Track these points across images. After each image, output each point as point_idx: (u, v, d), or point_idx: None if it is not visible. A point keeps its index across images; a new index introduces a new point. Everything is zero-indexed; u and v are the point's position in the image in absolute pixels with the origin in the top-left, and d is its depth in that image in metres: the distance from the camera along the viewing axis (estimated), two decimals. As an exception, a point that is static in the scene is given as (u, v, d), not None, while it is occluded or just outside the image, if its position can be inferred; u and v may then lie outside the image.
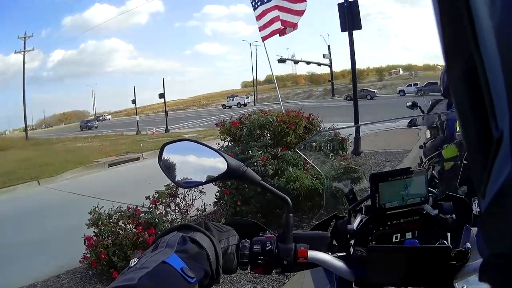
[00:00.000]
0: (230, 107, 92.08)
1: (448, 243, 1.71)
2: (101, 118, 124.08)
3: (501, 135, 0.55)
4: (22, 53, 77.53)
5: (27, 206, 15.08)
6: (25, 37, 77.12)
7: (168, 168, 1.59)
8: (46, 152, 36.18)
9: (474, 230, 1.97)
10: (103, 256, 6.40)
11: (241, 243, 1.51)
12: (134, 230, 6.60)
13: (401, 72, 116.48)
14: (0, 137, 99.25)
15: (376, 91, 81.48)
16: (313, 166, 3.36)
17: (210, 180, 1.59)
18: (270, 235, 1.56)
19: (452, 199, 1.94)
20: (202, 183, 1.63)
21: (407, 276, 1.54)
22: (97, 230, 6.75)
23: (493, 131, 0.57)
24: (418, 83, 74.96)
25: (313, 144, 3.10)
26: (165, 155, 1.59)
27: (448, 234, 1.82)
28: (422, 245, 1.70)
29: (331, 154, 6.21)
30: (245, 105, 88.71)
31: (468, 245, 1.58)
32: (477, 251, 1.82)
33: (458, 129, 5.11)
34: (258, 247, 1.51)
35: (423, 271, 1.51)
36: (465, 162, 5.38)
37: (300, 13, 14.32)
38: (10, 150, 45.80)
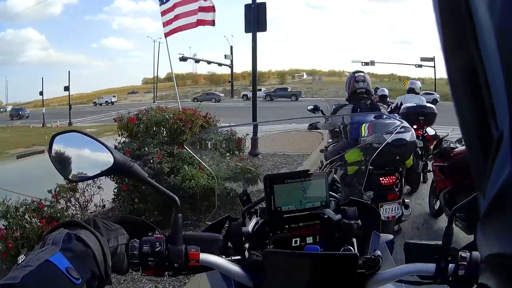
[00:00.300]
0: (100, 104, 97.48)
1: (354, 250, 1.71)
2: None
3: (501, 135, 0.55)
4: None
5: None
6: None
7: (60, 161, 1.51)
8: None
9: (384, 236, 1.94)
10: (10, 246, 6.20)
11: (131, 243, 1.45)
12: (39, 223, 6.42)
13: (305, 76, 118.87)
14: None
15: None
16: (203, 164, 3.29)
17: (96, 175, 1.53)
18: (159, 235, 1.50)
19: (356, 204, 1.93)
20: (89, 178, 1.62)
21: (309, 284, 1.51)
22: (7, 223, 6.55)
23: (493, 131, 0.57)
24: (263, 88, 78.93)
25: (207, 142, 3.03)
26: (56, 147, 1.51)
27: (354, 240, 1.80)
28: (325, 251, 1.70)
29: (228, 154, 6.16)
30: (112, 103, 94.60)
31: (378, 252, 1.57)
32: (388, 259, 1.75)
33: (363, 133, 5.15)
34: (148, 247, 1.44)
35: (328, 279, 1.49)
36: (371, 167, 5.44)
37: (211, 9, 14.27)
38: None
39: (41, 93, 57.11)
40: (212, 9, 14.21)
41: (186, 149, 7.25)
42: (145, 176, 1.51)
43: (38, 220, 6.45)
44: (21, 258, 1.11)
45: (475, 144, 0.66)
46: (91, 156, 1.52)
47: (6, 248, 6.25)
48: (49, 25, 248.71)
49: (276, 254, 1.56)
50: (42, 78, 58.04)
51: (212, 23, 14.34)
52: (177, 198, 1.50)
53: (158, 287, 5.76)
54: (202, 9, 14.09)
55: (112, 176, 6.09)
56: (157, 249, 1.44)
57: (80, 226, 1.28)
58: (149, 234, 1.51)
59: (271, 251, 1.59)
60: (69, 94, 52.65)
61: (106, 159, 1.48)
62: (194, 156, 7.24)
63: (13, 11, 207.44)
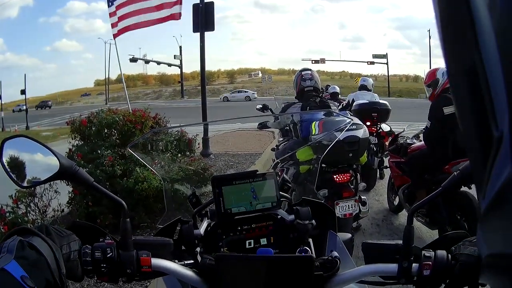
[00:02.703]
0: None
1: (311, 251, 1.71)
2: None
3: (501, 135, 0.55)
4: None
5: None
6: None
7: (12, 166, 1.50)
8: None
9: (342, 235, 1.94)
10: None
11: (83, 249, 1.43)
12: (2, 230, 6.29)
13: (260, 74, 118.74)
14: None
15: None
16: (148, 167, 3.27)
17: (44, 180, 1.53)
18: (110, 241, 1.48)
19: (310, 203, 1.93)
20: (38, 183, 1.60)
21: None
22: None
23: (493, 131, 0.57)
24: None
25: (154, 144, 3.02)
26: (8, 152, 1.49)
27: (310, 240, 1.80)
28: (280, 252, 1.72)
29: (179, 154, 6.11)
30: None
31: (335, 253, 1.55)
32: (347, 259, 1.76)
33: (313, 131, 5.16)
34: (99, 254, 1.43)
35: (284, 282, 1.47)
36: (324, 165, 5.44)
37: (176, 3, 14.15)
38: None
39: None
40: (178, 2, 14.10)
41: (130, 151, 7.22)
42: (91, 181, 1.51)
43: (1, 226, 6.37)
44: None
45: (475, 144, 0.67)
46: (39, 161, 1.51)
47: None
48: (6, 28, 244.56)
49: (228, 257, 1.55)
50: (0, 81, 56.67)
51: (177, 16, 14.26)
52: (123, 203, 1.49)
53: None
54: (159, 7, 14.01)
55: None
56: (108, 255, 1.43)
57: (32, 233, 1.27)
58: (100, 239, 1.50)
59: (222, 255, 1.58)
60: (25, 98, 52.08)
61: (53, 163, 1.47)
62: (138, 159, 7.27)
63: None
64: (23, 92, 50.07)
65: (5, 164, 1.48)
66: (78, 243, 1.44)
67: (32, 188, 7.01)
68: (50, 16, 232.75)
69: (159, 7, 13.97)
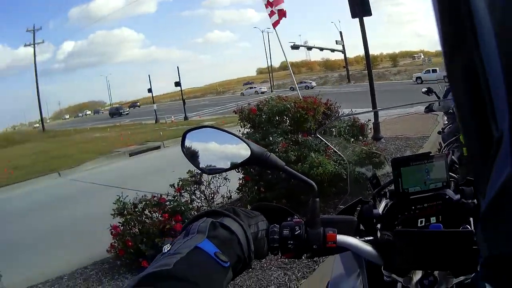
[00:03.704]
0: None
1: (471, 228, 1.73)
2: (131, 106, 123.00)
3: (501, 135, 0.56)
4: (32, 46, 77.61)
5: (50, 198, 15.14)
6: (34, 30, 77.23)
7: (192, 155, 1.60)
8: (64, 144, 36.14)
9: None
10: (129, 243, 6.41)
11: (271, 228, 1.50)
12: (160, 218, 6.60)
13: (422, 57, 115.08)
14: (16, 130, 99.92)
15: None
16: (334, 151, 3.35)
17: (234, 166, 1.60)
18: (298, 219, 1.55)
19: (473, 184, 1.93)
20: (225, 170, 1.64)
21: (433, 260, 1.56)
22: (123, 220, 6.74)
23: (493, 131, 0.58)
24: (437, 68, 68.03)
25: (333, 129, 3.10)
26: (187, 142, 1.60)
27: (471, 219, 1.82)
28: (445, 229, 1.73)
29: (352, 139, 6.21)
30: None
31: None
32: None
33: None
34: (288, 231, 1.50)
35: (448, 255, 1.53)
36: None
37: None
38: (27, 143, 45.77)
39: (149, 90, 57.65)
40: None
41: (318, 138, 7.29)
42: (283, 165, 1.57)
43: (159, 215, 6.64)
44: (166, 248, 1.16)
45: (475, 144, 0.68)
46: (226, 149, 1.59)
47: (124, 245, 6.47)
48: (146, 23, 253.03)
49: (406, 233, 1.61)
50: (149, 75, 58.50)
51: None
52: (313, 183, 1.55)
53: (287, 274, 5.82)
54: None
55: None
56: (296, 233, 1.49)
57: (222, 214, 1.35)
58: (288, 219, 1.56)
59: (401, 230, 1.65)
60: (181, 89, 52.81)
61: (243, 151, 1.54)
62: (326, 144, 7.28)
63: (99, 13, 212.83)
64: (177, 84, 51.09)
65: (187, 153, 1.59)
66: (266, 222, 1.51)
67: (200, 177, 7.52)
68: (195, 9, 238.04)
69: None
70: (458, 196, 1.85)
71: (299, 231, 1.49)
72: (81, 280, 7.03)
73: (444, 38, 0.66)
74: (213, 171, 1.69)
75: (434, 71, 61.61)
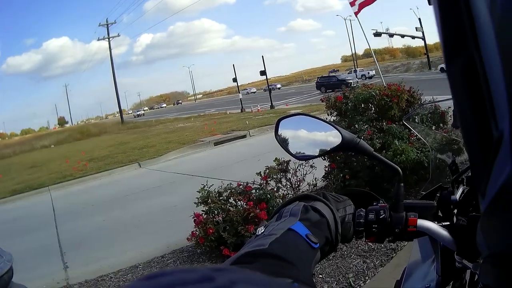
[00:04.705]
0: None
1: None
2: (247, 91, 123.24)
3: (501, 135, 0.57)
4: (107, 40, 78.63)
5: (130, 187, 15.56)
6: (107, 24, 78.41)
7: (285, 142, 1.67)
8: (145, 134, 37.05)
9: None
10: (210, 231, 6.53)
11: (357, 212, 1.55)
12: (245, 206, 6.69)
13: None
14: (95, 123, 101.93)
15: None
16: (419, 138, 3.42)
17: (324, 153, 1.69)
18: (383, 204, 1.60)
19: None
20: (315, 156, 1.71)
21: None
22: (207, 208, 6.88)
23: (493, 131, 0.59)
24: None
25: (416, 117, 3.15)
26: (280, 130, 1.67)
27: None
28: None
29: (433, 126, 6.27)
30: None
31: None
32: None
33: None
34: (373, 215, 1.55)
35: None
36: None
37: None
38: (104, 135, 47.78)
39: (234, 80, 57.58)
40: None
41: (401, 125, 7.31)
42: (371, 151, 1.62)
43: (244, 203, 6.73)
44: (260, 230, 1.21)
45: (475, 144, 0.68)
46: (316, 137, 1.64)
47: (205, 234, 6.60)
48: (226, 14, 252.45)
49: (479, 218, 1.71)
50: (233, 65, 58.19)
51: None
52: (399, 169, 1.59)
53: (366, 262, 5.90)
54: None
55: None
56: (381, 217, 1.54)
57: (313, 198, 1.41)
58: (374, 203, 1.61)
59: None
60: (266, 78, 52.36)
61: (334, 137, 1.59)
62: (409, 131, 7.26)
63: (175, 5, 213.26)
64: (262, 73, 50.67)
65: (281, 140, 1.67)
66: (353, 207, 1.55)
67: (286, 165, 7.55)
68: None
69: None
70: None
71: (384, 215, 1.55)
72: (156, 269, 7.14)
73: (444, 38, 0.68)
74: (305, 157, 1.76)
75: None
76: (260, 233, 1.20)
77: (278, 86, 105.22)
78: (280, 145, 1.68)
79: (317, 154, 1.68)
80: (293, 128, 1.69)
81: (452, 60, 0.68)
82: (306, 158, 1.78)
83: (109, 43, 78.76)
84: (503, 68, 0.54)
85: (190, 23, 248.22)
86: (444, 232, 1.61)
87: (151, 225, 9.90)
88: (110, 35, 79.26)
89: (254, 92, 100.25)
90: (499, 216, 0.69)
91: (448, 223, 1.67)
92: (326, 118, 8.32)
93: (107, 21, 78.62)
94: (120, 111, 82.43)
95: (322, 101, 9.45)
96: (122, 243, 9.01)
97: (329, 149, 1.64)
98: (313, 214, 1.31)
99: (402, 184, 1.61)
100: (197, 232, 6.93)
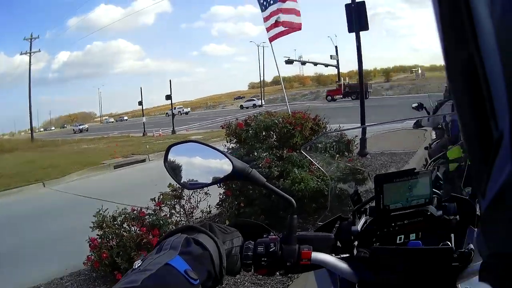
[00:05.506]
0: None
1: (451, 245, 1.70)
2: (120, 119, 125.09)
3: (501, 135, 0.55)
4: (28, 54, 77.97)
5: (31, 208, 15.23)
6: (31, 39, 77.61)
7: (174, 170, 1.60)
8: (51, 154, 36.50)
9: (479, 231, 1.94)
10: (104, 255, 6.46)
11: (245, 245, 1.51)
12: (138, 231, 6.64)
13: (420, 71, 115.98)
14: (5, 139, 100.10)
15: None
16: (318, 167, 3.37)
17: (216, 181, 1.63)
18: (274, 236, 1.57)
19: (456, 200, 1.93)
20: (207, 184, 1.65)
21: (411, 278, 1.53)
22: (101, 232, 6.80)
23: (493, 131, 0.57)
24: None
25: (319, 145, 3.10)
26: (170, 157, 1.60)
27: (452, 235, 1.80)
28: (425, 246, 1.70)
29: (337, 155, 6.23)
30: (186, 113, 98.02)
31: (471, 246, 1.57)
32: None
33: None
34: (262, 248, 1.50)
35: (426, 272, 1.51)
36: (470, 163, 5.38)
37: (299, 13, 14.43)
38: (15, 151, 45.83)
39: (140, 103, 57.92)
40: (299, 13, 14.37)
41: (302, 153, 7.28)
42: (264, 181, 1.60)
43: (137, 228, 6.67)
44: (137, 263, 1.16)
45: (475, 144, 0.67)
46: (209, 164, 1.61)
47: (99, 258, 6.53)
48: (143, 35, 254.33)
49: (383, 250, 1.61)
50: (141, 88, 59.15)
51: (300, 26, 14.51)
52: (293, 200, 1.57)
53: None
54: (296, 12, 14.28)
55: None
56: (271, 250, 1.51)
57: (197, 230, 1.36)
58: (264, 236, 1.59)
59: (377, 248, 1.65)
60: (171, 103, 52.95)
61: (225, 166, 1.56)
62: (310, 160, 7.29)
63: (97, 24, 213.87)
64: (168, 97, 51.31)
65: (170, 167, 1.61)
66: (241, 239, 1.53)
67: (181, 191, 7.56)
68: (193, 22, 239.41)
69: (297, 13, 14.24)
70: (440, 212, 1.85)
71: (274, 248, 1.51)
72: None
73: (444, 38, 0.65)
74: (194, 185, 1.75)
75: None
76: (136, 266, 1.15)
77: (186, 110, 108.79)
78: (168, 173, 1.63)
79: (209, 182, 1.63)
80: (184, 155, 1.66)
81: (452, 60, 0.67)
82: (196, 186, 1.82)
83: (30, 59, 78.18)
84: (503, 68, 0.54)
85: (107, 43, 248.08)
86: (343, 265, 1.58)
87: (50, 247, 9.76)
88: (32, 50, 78.23)
89: (187, 113, 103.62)
90: (499, 216, 0.67)
91: (348, 255, 1.64)
92: (225, 146, 8.76)
93: (31, 36, 77.56)
94: (31, 128, 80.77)
95: (223, 128, 9.47)
96: (20, 266, 8.80)
97: (220, 178, 1.61)
98: (195, 248, 1.26)
99: (295, 216, 1.59)
100: (92, 256, 6.80)
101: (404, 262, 1.54)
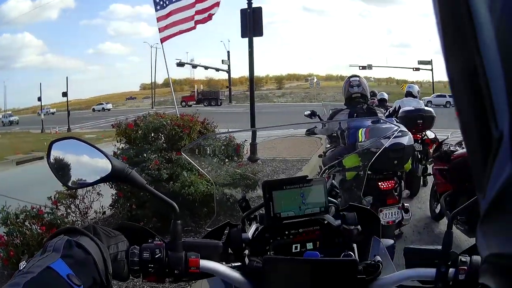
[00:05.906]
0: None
1: (354, 255, 1.71)
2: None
3: (501, 135, 0.54)
4: None
5: None
6: None
7: (59, 167, 1.53)
8: None
9: (384, 241, 1.94)
10: (12, 253, 6.25)
11: (131, 250, 1.46)
12: (39, 230, 6.47)
13: (315, 80, 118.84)
14: None
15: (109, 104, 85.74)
16: (201, 171, 3.31)
17: (95, 181, 1.55)
18: (159, 242, 1.52)
19: (356, 209, 1.93)
20: (88, 184, 1.63)
21: None
22: (7, 230, 6.56)
23: (493, 131, 0.56)
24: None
25: (207, 148, 3.03)
26: (55, 153, 1.52)
27: (355, 245, 1.80)
28: (324, 256, 1.70)
29: (226, 160, 6.19)
30: (108, 110, 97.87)
31: (378, 257, 1.58)
32: (389, 264, 1.76)
33: (360, 138, 5.15)
34: (148, 254, 1.46)
35: (328, 285, 1.50)
36: (369, 172, 5.45)
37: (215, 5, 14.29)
38: None
39: (39, 99, 56.75)
40: (216, 4, 14.22)
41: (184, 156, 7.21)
42: (144, 183, 1.53)
43: (38, 227, 6.48)
44: (22, 265, 1.12)
45: (475, 144, 0.66)
46: (89, 163, 1.53)
47: (8, 256, 6.28)
48: (46, 30, 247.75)
49: (276, 260, 1.57)
50: (40, 84, 57.50)
51: (210, 17, 14.39)
52: (175, 205, 1.52)
53: None
54: (198, 12, 14.13)
55: (110, 182, 6.11)
56: (157, 256, 1.45)
57: (80, 233, 1.30)
58: (149, 240, 1.53)
59: (271, 258, 1.60)
60: (67, 100, 52.31)
61: (104, 166, 1.49)
62: (191, 163, 7.22)
63: (8, 16, 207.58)
64: (64, 94, 50.67)
65: (52, 164, 1.51)
66: (126, 243, 1.47)
67: (75, 190, 7.29)
68: (92, 19, 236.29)
69: (200, 12, 14.11)
70: (338, 222, 1.85)
71: (160, 254, 1.46)
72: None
73: (444, 38, 0.65)
74: (74, 185, 1.61)
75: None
76: (21, 268, 1.13)
77: (108, 106, 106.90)
78: (51, 170, 1.53)
79: (89, 182, 1.59)
80: (69, 152, 1.56)
81: (452, 60, 0.66)
82: (77, 186, 1.66)
83: None
84: (503, 68, 0.53)
85: (14, 36, 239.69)
86: (235, 274, 1.56)
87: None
88: None
89: (53, 113, 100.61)
90: (499, 216, 0.64)
91: (240, 263, 1.61)
92: (115, 145, 8.65)
93: None
94: None
95: (113, 127, 9.29)
96: None
97: (98, 178, 1.54)
98: (77, 251, 1.21)
99: (179, 221, 1.55)
100: (1, 254, 6.53)
101: (302, 274, 1.51)
